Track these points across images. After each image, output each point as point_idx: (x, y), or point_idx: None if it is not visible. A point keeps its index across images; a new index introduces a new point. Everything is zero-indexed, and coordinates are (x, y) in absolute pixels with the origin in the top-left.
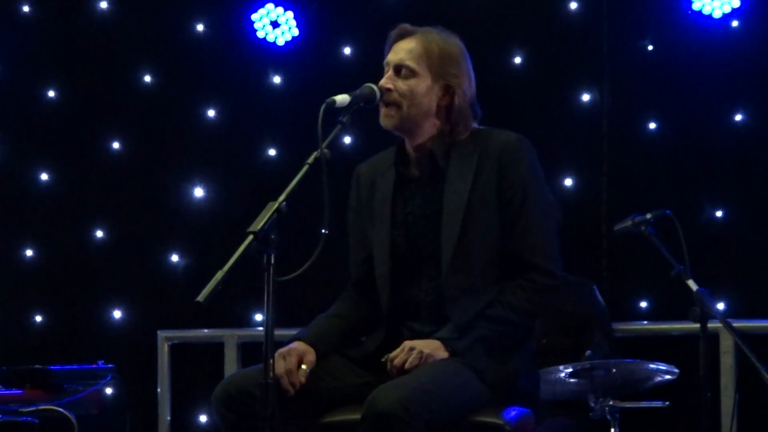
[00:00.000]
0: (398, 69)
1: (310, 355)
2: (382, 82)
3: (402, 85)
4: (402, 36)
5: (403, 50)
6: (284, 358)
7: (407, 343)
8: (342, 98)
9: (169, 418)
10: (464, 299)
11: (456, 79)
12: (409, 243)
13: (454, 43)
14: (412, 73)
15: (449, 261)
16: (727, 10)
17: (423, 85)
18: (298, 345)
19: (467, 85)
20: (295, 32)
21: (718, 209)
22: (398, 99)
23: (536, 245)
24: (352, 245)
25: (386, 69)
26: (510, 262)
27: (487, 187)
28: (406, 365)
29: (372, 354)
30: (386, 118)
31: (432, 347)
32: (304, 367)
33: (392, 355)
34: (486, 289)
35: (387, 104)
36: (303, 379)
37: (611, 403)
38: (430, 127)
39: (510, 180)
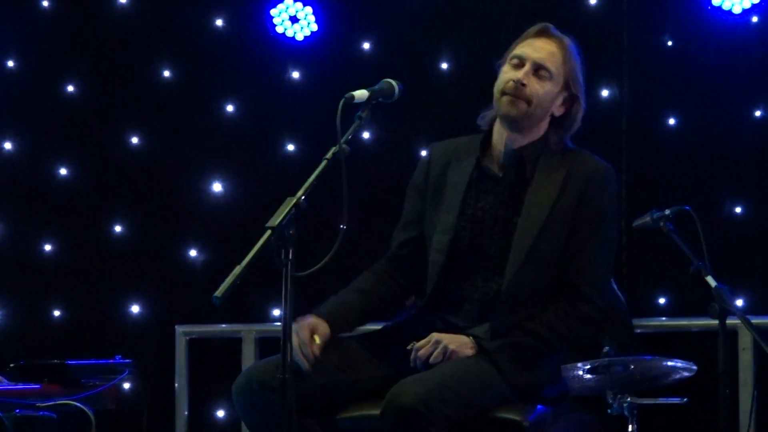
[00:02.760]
0: (537, 68)
1: (323, 328)
2: (520, 75)
3: (538, 86)
4: (544, 34)
5: (545, 50)
6: (297, 332)
7: (434, 336)
8: (361, 93)
9: (186, 413)
10: (511, 307)
11: (579, 91)
12: (472, 239)
13: (581, 60)
14: (550, 77)
15: (514, 272)
16: (747, 5)
17: (554, 90)
18: (312, 319)
19: (583, 101)
20: (314, 27)
21: (737, 205)
22: (530, 97)
23: (592, 277)
24: (404, 221)
25: (516, 62)
26: (562, 283)
27: (568, 208)
28: (431, 359)
29: (396, 342)
30: (512, 108)
31: (458, 343)
32: (317, 338)
33: (418, 344)
34: (533, 303)
35: (516, 96)
36: (317, 352)
37: (629, 399)
38: (536, 132)
39: (589, 208)
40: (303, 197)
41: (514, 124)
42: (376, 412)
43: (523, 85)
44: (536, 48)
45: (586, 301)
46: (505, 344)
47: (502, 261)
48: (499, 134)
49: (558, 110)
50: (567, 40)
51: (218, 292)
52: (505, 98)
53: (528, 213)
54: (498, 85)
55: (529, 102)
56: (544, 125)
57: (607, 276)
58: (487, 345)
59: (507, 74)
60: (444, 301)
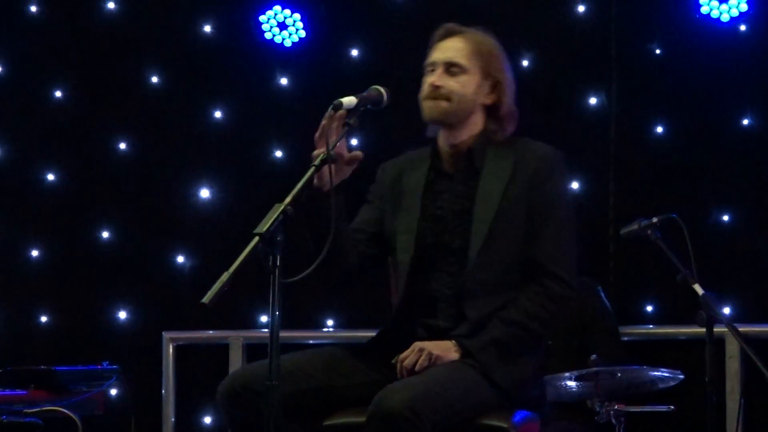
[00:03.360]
0: (448, 66)
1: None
2: (432, 79)
3: (452, 82)
4: (448, 35)
5: (451, 48)
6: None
7: (417, 344)
8: (349, 100)
9: (173, 419)
10: (483, 297)
11: (503, 76)
12: (435, 237)
13: (498, 45)
14: (463, 70)
15: (475, 257)
16: (735, 14)
17: (473, 81)
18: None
19: (511, 85)
20: (303, 34)
21: (725, 213)
22: (448, 94)
23: (556, 255)
24: (360, 217)
25: (430, 69)
26: (530, 268)
27: (519, 193)
28: (416, 367)
29: (382, 351)
30: (433, 109)
31: (442, 348)
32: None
33: (402, 356)
34: (505, 290)
35: (435, 98)
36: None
37: (616, 407)
38: (471, 125)
39: (541, 190)
40: (290, 204)
41: (441, 123)
42: (362, 418)
43: (438, 86)
44: (443, 49)
45: (554, 280)
46: (489, 342)
47: (465, 252)
48: (443, 137)
49: (487, 99)
50: (473, 32)
51: (206, 298)
52: (425, 103)
53: (482, 201)
54: (420, 95)
55: (448, 99)
56: (478, 117)
57: (572, 252)
58: (470, 346)
59: (424, 83)
60: (419, 303)
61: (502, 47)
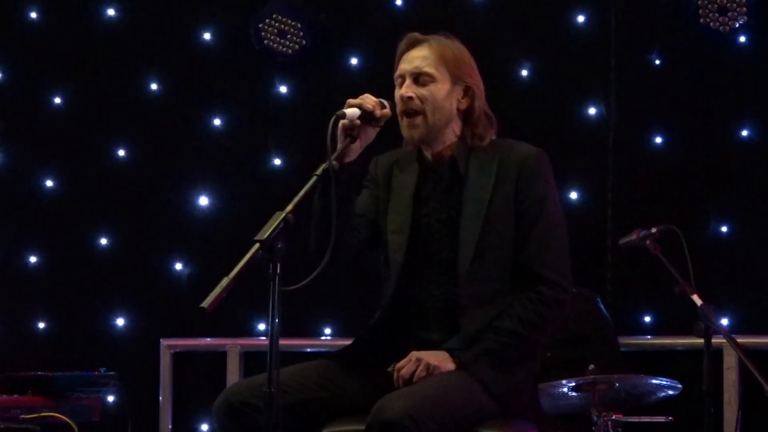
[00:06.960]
0: (416, 77)
1: None
2: (402, 91)
3: (423, 91)
4: (412, 45)
5: (417, 58)
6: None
7: (414, 354)
8: (351, 112)
9: (170, 426)
10: (476, 309)
11: (472, 80)
12: (425, 245)
13: (463, 48)
14: (432, 79)
15: (466, 269)
16: (735, 25)
17: (444, 89)
18: None
19: (481, 88)
20: (303, 42)
21: (723, 224)
22: (421, 106)
23: (547, 259)
24: (361, 203)
25: (400, 81)
26: (521, 275)
27: (506, 197)
28: (415, 377)
29: (373, 360)
30: (411, 129)
31: (439, 358)
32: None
33: (399, 365)
34: (498, 299)
35: (409, 114)
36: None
37: (614, 417)
38: (450, 134)
39: (527, 193)
40: (291, 212)
41: (422, 141)
42: (361, 427)
43: (410, 98)
44: (409, 60)
45: (547, 285)
46: (482, 352)
47: (454, 264)
48: (424, 147)
49: (462, 104)
50: (438, 38)
51: (206, 302)
52: (403, 123)
53: (469, 210)
54: (397, 110)
55: (423, 113)
56: (455, 125)
57: (564, 255)
58: (463, 358)
59: (396, 96)
60: (409, 312)
61: (469, 52)
